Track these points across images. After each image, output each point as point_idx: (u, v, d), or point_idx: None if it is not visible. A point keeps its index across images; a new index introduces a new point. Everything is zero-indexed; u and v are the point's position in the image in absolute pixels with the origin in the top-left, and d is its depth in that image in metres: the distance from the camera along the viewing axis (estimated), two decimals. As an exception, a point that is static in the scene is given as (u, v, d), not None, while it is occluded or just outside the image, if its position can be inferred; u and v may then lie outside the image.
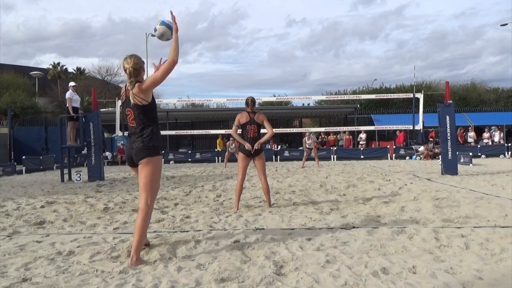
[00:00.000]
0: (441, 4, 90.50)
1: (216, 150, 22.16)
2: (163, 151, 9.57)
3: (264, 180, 6.09)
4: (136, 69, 3.61)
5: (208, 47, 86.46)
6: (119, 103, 12.72)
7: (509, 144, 21.12)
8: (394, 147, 21.40)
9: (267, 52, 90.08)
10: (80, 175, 11.29)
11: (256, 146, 5.94)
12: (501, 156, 20.40)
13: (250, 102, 6.00)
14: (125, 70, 3.62)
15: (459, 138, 21.42)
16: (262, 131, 6.25)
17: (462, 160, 14.89)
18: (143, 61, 3.78)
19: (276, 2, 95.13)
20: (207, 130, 17.62)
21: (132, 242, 3.61)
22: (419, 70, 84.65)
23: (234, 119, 6.20)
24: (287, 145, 27.46)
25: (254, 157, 6.04)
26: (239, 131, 6.20)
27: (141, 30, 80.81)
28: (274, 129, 6.37)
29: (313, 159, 20.54)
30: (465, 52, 74.95)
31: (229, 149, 16.66)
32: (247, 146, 5.93)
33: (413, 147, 21.46)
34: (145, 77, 3.81)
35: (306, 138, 16.36)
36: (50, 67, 38.59)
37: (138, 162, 3.66)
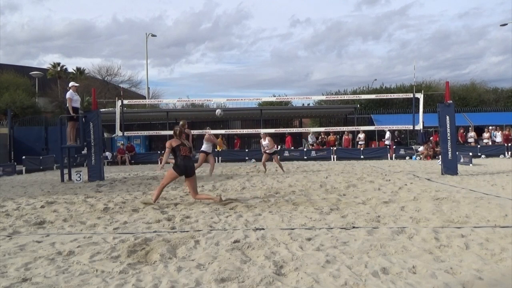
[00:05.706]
0: (445, 4, 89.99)
1: (216, 150, 22.13)
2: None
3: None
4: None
5: (211, 47, 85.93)
6: (119, 103, 12.74)
7: (509, 144, 21.11)
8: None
9: (270, 52, 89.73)
10: (80, 175, 11.29)
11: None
12: (501, 156, 20.39)
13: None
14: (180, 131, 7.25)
15: (459, 138, 21.41)
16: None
17: (462, 160, 14.89)
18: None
19: (281, 2, 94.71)
20: (207, 130, 17.55)
21: None
22: (422, 70, 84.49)
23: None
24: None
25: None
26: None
27: (145, 31, 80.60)
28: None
29: (308, 159, 20.69)
30: (468, 52, 74.52)
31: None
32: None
33: (413, 147, 21.43)
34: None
35: (262, 139, 13.68)
36: (50, 67, 38.51)
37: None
